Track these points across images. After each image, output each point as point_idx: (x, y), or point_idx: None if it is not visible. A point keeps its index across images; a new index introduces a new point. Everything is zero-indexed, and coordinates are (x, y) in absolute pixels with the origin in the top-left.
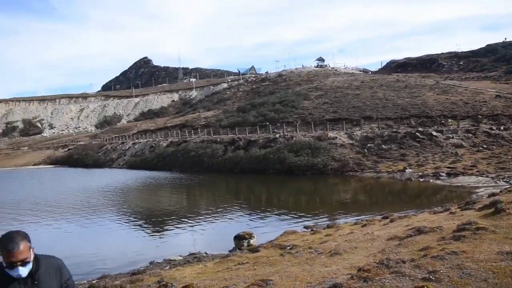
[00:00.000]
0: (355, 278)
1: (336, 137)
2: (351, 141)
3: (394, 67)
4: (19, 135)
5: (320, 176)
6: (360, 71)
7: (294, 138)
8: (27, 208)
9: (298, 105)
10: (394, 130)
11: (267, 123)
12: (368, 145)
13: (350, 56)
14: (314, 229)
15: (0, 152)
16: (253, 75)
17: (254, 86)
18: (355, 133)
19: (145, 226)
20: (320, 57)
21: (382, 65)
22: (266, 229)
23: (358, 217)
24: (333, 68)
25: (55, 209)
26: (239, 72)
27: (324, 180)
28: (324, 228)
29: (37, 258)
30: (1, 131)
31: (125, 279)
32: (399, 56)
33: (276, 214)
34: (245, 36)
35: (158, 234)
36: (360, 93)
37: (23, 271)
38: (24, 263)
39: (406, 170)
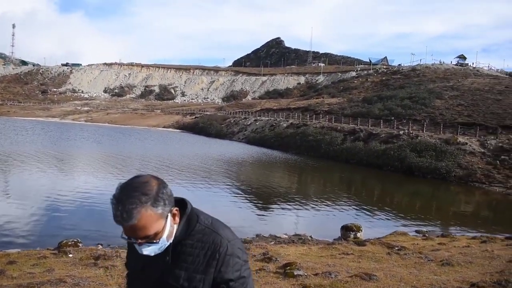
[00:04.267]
0: None
1: (466, 143)
2: (482, 150)
3: None
4: (155, 99)
5: (441, 182)
6: (506, 74)
7: (419, 138)
8: (150, 163)
9: (429, 103)
10: None
11: (392, 118)
12: (502, 157)
13: (496, 57)
14: (427, 235)
15: (137, 111)
16: (384, 66)
17: (384, 78)
18: (488, 142)
19: (254, 199)
20: (462, 55)
21: None
22: (374, 225)
23: (477, 233)
24: (474, 68)
25: (173, 168)
26: (370, 61)
27: (445, 187)
28: (437, 236)
29: (189, 221)
30: (140, 93)
31: None
32: None
33: (386, 213)
34: (380, 25)
35: (265, 209)
36: (502, 99)
37: (148, 251)
38: (149, 241)
39: None
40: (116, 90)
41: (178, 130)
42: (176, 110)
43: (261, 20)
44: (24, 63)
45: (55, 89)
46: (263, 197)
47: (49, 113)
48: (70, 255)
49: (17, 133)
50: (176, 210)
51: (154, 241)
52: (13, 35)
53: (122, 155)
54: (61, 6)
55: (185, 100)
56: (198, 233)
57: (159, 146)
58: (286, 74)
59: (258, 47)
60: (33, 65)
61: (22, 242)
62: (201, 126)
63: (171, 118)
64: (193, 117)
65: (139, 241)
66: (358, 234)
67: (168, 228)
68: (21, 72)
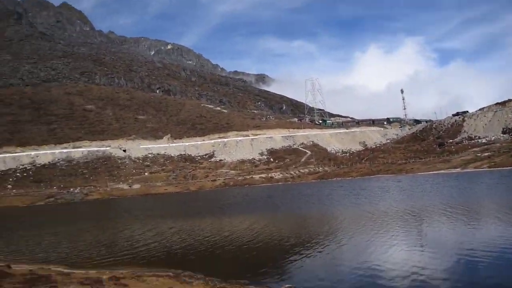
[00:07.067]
0: None
1: None
2: None
3: None
4: None
5: None
6: None
7: None
8: None
9: None
10: None
11: None
12: None
13: None
14: None
15: None
16: None
17: None
18: None
19: None
20: None
21: None
22: None
23: None
24: None
25: None
26: None
27: None
28: None
29: None
30: None
31: None
32: None
33: None
34: None
35: None
36: None
37: None
38: None
39: None
40: None
41: None
42: None
43: None
44: (417, 121)
45: (450, 140)
46: None
47: (450, 165)
48: None
49: (424, 188)
50: None
51: None
52: (403, 99)
53: None
54: (439, 62)
55: None
56: None
57: None
58: None
59: None
60: (426, 122)
61: None
62: None
63: None
64: None
65: None
66: None
67: None
68: (416, 130)
